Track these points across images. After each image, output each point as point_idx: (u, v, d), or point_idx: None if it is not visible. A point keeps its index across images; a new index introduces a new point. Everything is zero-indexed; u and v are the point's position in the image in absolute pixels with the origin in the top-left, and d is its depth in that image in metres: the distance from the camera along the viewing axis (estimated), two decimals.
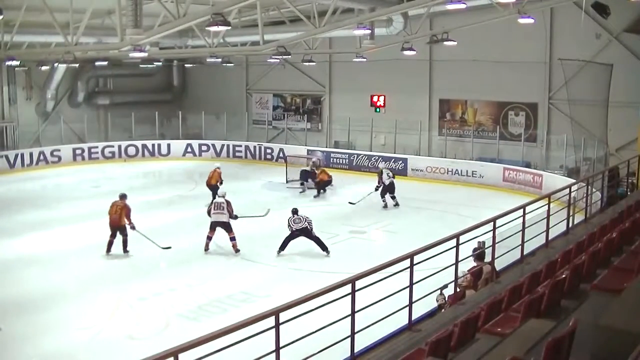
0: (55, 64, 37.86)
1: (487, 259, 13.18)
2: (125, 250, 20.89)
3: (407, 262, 10.38)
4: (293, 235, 20.71)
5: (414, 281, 10.42)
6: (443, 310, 11.79)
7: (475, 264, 13.15)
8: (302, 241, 21.83)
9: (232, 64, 37.45)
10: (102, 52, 32.95)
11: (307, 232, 20.72)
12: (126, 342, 14.24)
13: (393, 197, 27.83)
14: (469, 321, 8.52)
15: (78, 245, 22.20)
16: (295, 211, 21.26)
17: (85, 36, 24.76)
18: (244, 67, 43.96)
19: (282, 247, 20.77)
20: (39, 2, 20.83)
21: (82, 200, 28.46)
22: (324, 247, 20.72)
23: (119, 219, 20.69)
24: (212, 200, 23.12)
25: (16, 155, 37.60)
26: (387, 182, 27.72)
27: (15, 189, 32.61)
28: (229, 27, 18.89)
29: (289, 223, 20.88)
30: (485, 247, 13.28)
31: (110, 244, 20.76)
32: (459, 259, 11.87)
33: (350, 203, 28.30)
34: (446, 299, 12.16)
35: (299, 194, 30.57)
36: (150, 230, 22.73)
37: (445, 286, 12.08)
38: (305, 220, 20.80)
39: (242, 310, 15.44)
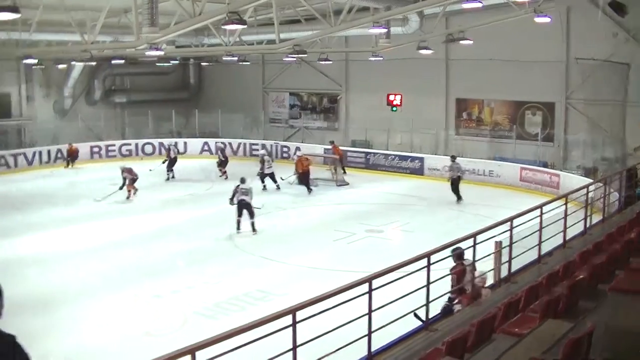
0: (72, 62, 38.15)
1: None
2: None
3: (424, 262, 10.38)
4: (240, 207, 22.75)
5: (430, 280, 10.41)
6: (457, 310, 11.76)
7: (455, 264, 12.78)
8: (319, 239, 21.95)
9: (248, 63, 37.51)
10: (119, 51, 33.10)
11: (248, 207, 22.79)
12: (143, 339, 14.26)
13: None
14: (486, 321, 8.51)
15: (94, 243, 22.32)
16: (242, 180, 23.15)
17: (101, 34, 24.87)
18: (260, 65, 43.99)
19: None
20: (55, 1, 20.95)
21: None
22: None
23: None
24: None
25: (34, 153, 37.85)
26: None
27: (33, 187, 32.82)
28: (245, 26, 18.90)
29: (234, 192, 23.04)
30: (503, 247, 13.20)
31: None
32: (476, 259, 11.85)
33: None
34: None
35: (307, 194, 30.56)
36: (166, 228, 22.91)
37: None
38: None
39: (259, 308, 15.44)
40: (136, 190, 28.90)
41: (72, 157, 38.00)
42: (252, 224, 23.17)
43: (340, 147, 35.76)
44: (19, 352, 4.43)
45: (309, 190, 30.60)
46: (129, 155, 40.34)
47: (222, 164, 34.35)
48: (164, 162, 34.95)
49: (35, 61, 34.60)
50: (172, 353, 6.57)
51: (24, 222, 25.11)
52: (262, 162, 31.04)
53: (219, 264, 20.01)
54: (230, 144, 41.69)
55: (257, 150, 38.81)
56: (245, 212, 23.09)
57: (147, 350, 10.05)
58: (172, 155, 35.03)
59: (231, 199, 23.34)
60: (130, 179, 28.67)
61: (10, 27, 24.95)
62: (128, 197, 28.66)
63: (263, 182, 30.84)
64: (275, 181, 30.96)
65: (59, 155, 38.84)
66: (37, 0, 22.62)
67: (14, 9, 12.81)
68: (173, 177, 34.59)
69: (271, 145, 40.36)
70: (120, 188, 28.49)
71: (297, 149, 35.83)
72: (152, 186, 31.64)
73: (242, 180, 23.58)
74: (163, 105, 43.53)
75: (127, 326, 15.14)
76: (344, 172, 33.80)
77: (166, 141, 40.53)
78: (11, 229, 23.97)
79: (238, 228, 23.28)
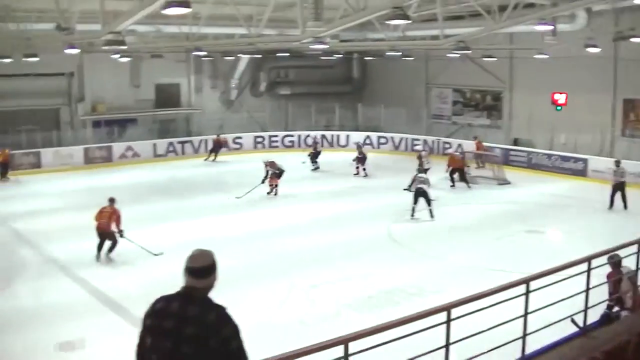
0: (239, 55, 39.18)
1: None
2: (109, 252, 19.44)
3: (584, 266, 10.13)
4: None
5: (590, 286, 10.16)
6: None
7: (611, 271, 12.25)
8: (477, 237, 21.76)
9: (411, 58, 37.50)
10: (284, 44, 33.71)
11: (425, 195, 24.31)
12: (297, 327, 14.52)
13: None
14: None
15: (254, 229, 22.94)
16: (420, 170, 25.45)
17: (267, 28, 25.40)
18: (423, 61, 43.80)
19: None
20: None
21: (260, 187, 29.08)
22: None
23: (107, 225, 19.23)
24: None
25: (200, 141, 39.24)
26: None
27: (200, 173, 34.13)
28: (409, 21, 18.91)
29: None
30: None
31: (100, 248, 19.44)
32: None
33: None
34: None
35: (467, 188, 30.47)
36: (321, 219, 23.28)
37: None
38: None
39: (413, 303, 15.46)
40: (276, 186, 28.46)
41: (216, 148, 38.65)
42: (430, 211, 24.34)
43: (502, 146, 35.26)
44: (228, 322, 4.80)
45: (468, 185, 30.59)
46: (291, 147, 41.12)
47: (361, 160, 33.85)
48: (309, 155, 35.51)
49: (204, 53, 35.88)
50: (325, 342, 6.64)
51: (186, 207, 26.23)
52: (420, 158, 30.94)
53: (375, 257, 20.11)
54: (392, 138, 41.76)
55: (418, 145, 38.82)
56: (421, 199, 24.31)
57: (300, 337, 10.25)
58: (319, 149, 35.62)
59: (409, 186, 25.66)
60: (272, 172, 28.44)
61: (181, 21, 25.86)
62: (269, 193, 28.50)
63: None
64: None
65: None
66: None
67: (185, 4, 13.23)
68: (317, 168, 35.05)
69: (432, 141, 40.19)
70: (262, 182, 28.39)
71: (459, 146, 35.63)
72: (313, 178, 32.20)
73: (420, 170, 25.81)
74: (326, 98, 44.11)
75: (281, 313, 15.50)
76: (482, 167, 33.52)
77: (324, 134, 41.21)
78: (173, 213, 25.07)
79: (412, 214, 24.47)
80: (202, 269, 4.92)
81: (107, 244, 19.31)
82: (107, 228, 19.13)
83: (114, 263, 19.13)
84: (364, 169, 33.33)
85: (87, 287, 17.29)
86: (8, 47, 28.98)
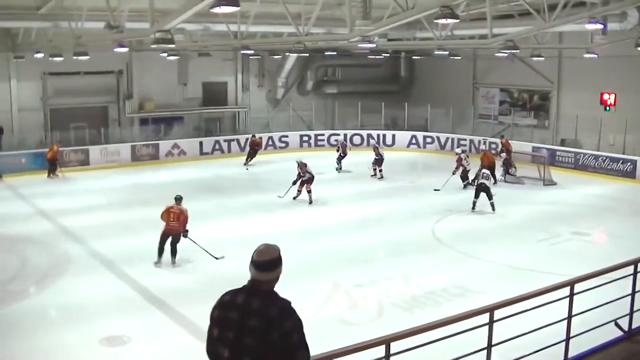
0: (286, 53, 39.31)
1: None
2: (174, 256, 18.67)
3: (629, 269, 10.03)
4: None
5: (636, 289, 10.06)
6: None
7: None
8: (521, 239, 21.64)
9: (459, 57, 37.32)
10: (332, 43, 33.77)
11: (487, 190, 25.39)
12: (339, 327, 14.56)
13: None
14: None
15: (298, 227, 23.06)
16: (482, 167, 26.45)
17: (315, 27, 25.44)
18: (471, 60, 43.62)
19: None
20: None
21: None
22: None
23: (178, 226, 18.42)
24: None
25: (246, 140, 39.28)
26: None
27: (245, 171, 34.36)
28: (458, 20, 18.84)
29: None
30: None
31: (161, 251, 18.63)
32: None
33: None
34: None
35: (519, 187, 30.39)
36: (370, 218, 23.34)
37: None
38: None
39: (456, 304, 15.44)
40: (309, 192, 26.91)
41: (252, 151, 37.30)
42: (492, 205, 25.36)
43: (548, 147, 34.98)
44: (290, 316, 4.93)
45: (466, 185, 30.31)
46: (336, 145, 41.16)
47: (378, 161, 32.93)
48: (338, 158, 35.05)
49: (252, 52, 36.05)
50: (367, 342, 6.67)
51: (231, 205, 26.55)
52: (459, 160, 30.37)
53: (418, 257, 20.10)
54: (438, 138, 41.60)
55: (463, 145, 38.63)
56: (483, 194, 25.29)
57: (342, 337, 10.26)
58: (347, 152, 35.27)
59: (473, 180, 26.97)
60: (302, 175, 27.12)
61: (230, 20, 26.00)
62: (294, 198, 27.23)
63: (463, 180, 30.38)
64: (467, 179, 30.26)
65: (270, 142, 40.54)
66: None
67: (234, 3, 13.33)
68: (341, 168, 34.67)
69: (479, 141, 39.93)
70: (294, 183, 27.32)
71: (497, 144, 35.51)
72: (354, 178, 32.27)
73: (482, 167, 28.12)
74: (373, 97, 44.02)
75: (324, 312, 15.52)
76: (515, 169, 32.69)
77: (370, 132, 41.22)
78: (218, 211, 25.34)
79: (473, 208, 25.65)
80: (266, 262, 5.10)
81: (168, 247, 18.53)
82: (178, 229, 18.45)
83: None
84: (380, 171, 32.67)
85: (132, 284, 17.46)
86: (60, 45, 29.43)
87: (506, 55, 34.19)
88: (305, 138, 42.16)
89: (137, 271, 18.30)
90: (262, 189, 29.77)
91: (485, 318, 7.96)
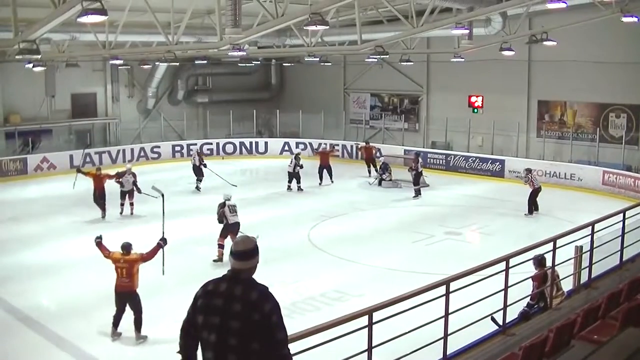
0: (156, 63, 38.79)
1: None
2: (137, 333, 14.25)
3: (502, 265, 10.29)
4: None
5: (508, 284, 10.32)
6: None
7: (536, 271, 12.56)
8: (396, 241, 21.90)
9: (329, 63, 37.56)
10: (202, 51, 33.49)
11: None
12: None
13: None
14: (565, 327, 8.39)
15: (174, 239, 22.61)
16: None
17: (185, 35, 25.24)
18: (341, 66, 44.09)
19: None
20: (141, 3, 21.27)
21: (181, 195, 29.22)
22: None
23: (132, 285, 14.11)
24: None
25: (118, 151, 38.62)
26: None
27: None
28: (327, 27, 18.99)
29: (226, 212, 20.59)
30: (583, 252, 12.97)
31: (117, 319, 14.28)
32: (556, 263, 11.69)
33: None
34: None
35: (397, 192, 30.75)
36: (247, 226, 23.13)
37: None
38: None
39: (335, 308, 15.49)
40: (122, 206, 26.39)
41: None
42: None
43: (419, 149, 35.76)
44: (268, 299, 5.47)
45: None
46: (210, 155, 40.79)
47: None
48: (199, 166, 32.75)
49: (121, 62, 35.43)
50: None
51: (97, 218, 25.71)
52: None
53: (295, 263, 20.07)
54: (310, 144, 41.76)
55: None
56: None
57: None
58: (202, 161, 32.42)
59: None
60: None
61: (98, 29, 25.45)
62: (121, 213, 26.48)
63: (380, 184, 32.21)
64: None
65: (142, 153, 39.70)
66: (124, 2, 23.14)
67: (102, 12, 13.07)
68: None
69: (351, 146, 40.33)
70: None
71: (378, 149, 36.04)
72: (238, 185, 32.07)
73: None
74: (245, 105, 43.91)
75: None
76: (389, 174, 33.01)
77: (242, 141, 41.15)
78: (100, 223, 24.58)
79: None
80: (244, 252, 5.52)
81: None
82: (132, 288, 14.11)
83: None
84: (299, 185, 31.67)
85: (2, 305, 16.83)
86: None
87: (376, 60, 34.67)
88: (178, 148, 41.59)
89: (7, 290, 17.59)
90: (137, 201, 28.70)
91: (364, 320, 8.00)
